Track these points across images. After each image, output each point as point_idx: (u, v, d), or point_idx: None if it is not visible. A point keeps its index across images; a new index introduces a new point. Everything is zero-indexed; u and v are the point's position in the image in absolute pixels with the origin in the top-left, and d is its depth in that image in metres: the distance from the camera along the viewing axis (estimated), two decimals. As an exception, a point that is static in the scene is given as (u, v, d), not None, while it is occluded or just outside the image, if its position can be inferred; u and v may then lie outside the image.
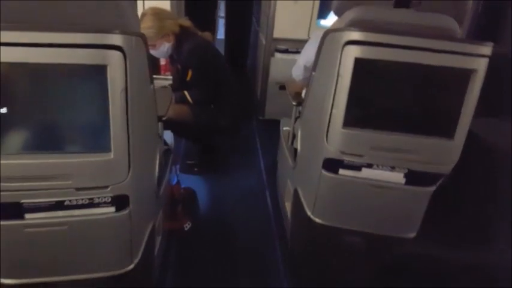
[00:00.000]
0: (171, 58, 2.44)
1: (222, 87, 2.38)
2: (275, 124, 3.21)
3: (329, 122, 1.37)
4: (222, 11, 4.13)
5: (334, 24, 1.70)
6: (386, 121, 1.36)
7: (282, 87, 3.24)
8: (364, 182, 1.44)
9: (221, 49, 4.16)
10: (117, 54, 0.96)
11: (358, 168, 1.42)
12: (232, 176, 2.60)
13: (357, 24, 1.32)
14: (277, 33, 3.04)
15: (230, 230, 2.13)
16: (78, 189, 1.04)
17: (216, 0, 3.83)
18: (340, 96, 1.31)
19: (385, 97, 1.35)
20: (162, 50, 2.26)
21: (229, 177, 2.58)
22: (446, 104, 1.31)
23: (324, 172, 1.46)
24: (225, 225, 2.16)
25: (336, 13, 1.51)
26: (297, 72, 1.89)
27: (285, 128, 2.29)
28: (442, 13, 1.36)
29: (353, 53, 1.25)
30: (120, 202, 1.11)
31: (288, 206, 2.00)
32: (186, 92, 2.31)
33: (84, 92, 1.01)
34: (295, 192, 1.79)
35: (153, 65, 2.82)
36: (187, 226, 2.06)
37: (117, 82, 0.97)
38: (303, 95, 1.94)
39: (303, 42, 3.13)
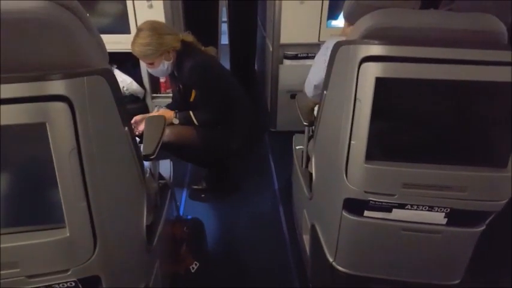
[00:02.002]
0: (171, 76, 2.22)
1: (231, 107, 2.16)
2: (288, 136, 2.94)
3: (348, 155, 1.11)
4: (224, 15, 3.89)
5: (346, 31, 1.44)
6: (420, 152, 1.09)
7: (294, 96, 2.98)
8: (395, 225, 1.18)
9: (226, 55, 3.93)
10: (59, 106, 0.73)
11: (387, 209, 1.15)
12: (244, 201, 2.36)
13: (375, 34, 1.06)
14: (284, 39, 2.78)
15: (242, 267, 1.89)
16: (29, 276, 0.82)
17: (217, 6, 3.59)
18: (359, 124, 1.05)
19: (417, 123, 1.08)
20: (162, 68, 2.04)
21: (240, 203, 2.34)
22: (494, 126, 1.04)
23: (345, 214, 1.20)
24: (236, 262, 1.92)
25: (348, 19, 1.25)
26: (308, 89, 1.63)
27: (298, 147, 2.03)
28: (481, 12, 1.07)
29: (373, 71, 0.99)
30: (89, 284, 0.88)
31: (306, 239, 1.74)
32: (191, 113, 2.08)
33: (26, 155, 0.79)
34: (313, 228, 1.53)
35: (153, 83, 2.66)
36: (194, 267, 1.83)
37: (62, 142, 0.74)
38: (315, 112, 1.68)
39: (313, 47, 2.91)
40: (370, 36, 1.08)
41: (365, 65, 0.99)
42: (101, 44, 1.02)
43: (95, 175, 0.82)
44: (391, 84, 0.99)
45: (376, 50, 0.98)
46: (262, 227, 2.15)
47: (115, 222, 0.95)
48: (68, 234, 0.81)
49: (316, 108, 1.67)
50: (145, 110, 2.71)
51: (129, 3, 2.39)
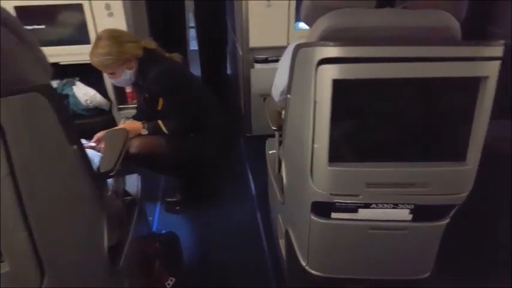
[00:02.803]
0: (136, 85, 2.15)
1: (202, 113, 2.10)
2: (264, 140, 2.92)
3: (312, 158, 1.08)
4: (191, 21, 3.84)
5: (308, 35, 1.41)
6: (382, 151, 1.08)
7: (267, 99, 2.97)
8: (362, 224, 1.17)
9: (196, 61, 3.86)
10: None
11: (353, 209, 1.14)
12: (220, 209, 2.30)
13: (332, 36, 1.03)
14: (253, 42, 2.75)
15: (221, 278, 1.84)
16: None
17: (183, 11, 3.53)
18: (320, 127, 1.02)
19: (377, 122, 1.06)
20: (124, 78, 1.97)
21: (217, 212, 2.28)
22: (452, 121, 1.03)
23: (313, 217, 1.18)
24: (214, 274, 1.86)
25: (306, 22, 1.22)
26: (275, 94, 1.60)
27: (270, 152, 1.99)
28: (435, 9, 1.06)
29: (329, 73, 0.96)
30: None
31: (282, 244, 1.70)
32: (160, 122, 2.01)
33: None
34: (287, 233, 1.50)
35: (118, 93, 2.58)
36: (169, 283, 1.76)
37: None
38: (283, 117, 1.65)
39: (283, 50, 2.86)
40: (328, 37, 1.05)
41: (322, 67, 0.96)
42: (40, 58, 0.95)
43: (35, 201, 0.76)
44: (348, 85, 0.96)
45: (332, 51, 0.95)
46: (240, 235, 2.10)
47: (66, 249, 0.89)
48: (8, 269, 0.74)
49: (284, 112, 1.63)
50: (111, 122, 2.62)
51: (87, 13, 2.30)
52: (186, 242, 2.04)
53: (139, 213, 1.68)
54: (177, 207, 2.29)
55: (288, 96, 1.27)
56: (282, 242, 1.65)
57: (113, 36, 1.87)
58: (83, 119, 2.57)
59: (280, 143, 1.71)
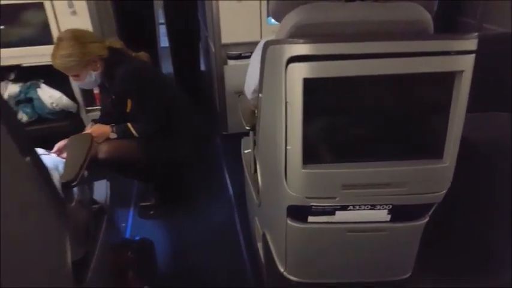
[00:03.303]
0: (102, 87, 2.05)
1: (173, 113, 2.02)
2: (240, 138, 2.87)
3: (286, 160, 1.03)
4: (161, 17, 3.72)
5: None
6: (357, 151, 1.04)
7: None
8: (340, 227, 1.13)
9: (168, 58, 3.75)
10: None
11: (330, 212, 1.10)
12: (197, 212, 2.23)
13: (302, 32, 0.98)
14: (226, 38, 2.67)
15: (199, 285, 1.77)
16: None
17: (152, 8, 3.41)
18: (293, 128, 0.97)
19: (350, 122, 1.02)
20: (89, 80, 1.87)
21: (193, 215, 2.21)
22: (428, 117, 1.00)
23: (290, 222, 1.13)
24: (191, 280, 1.80)
25: (275, 18, 1.16)
26: (247, 92, 1.54)
27: (246, 151, 1.93)
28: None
29: (300, 72, 0.91)
30: None
31: (260, 247, 1.65)
32: (129, 125, 1.93)
33: None
34: (264, 237, 1.45)
35: (86, 95, 2.47)
36: (143, 292, 1.69)
37: None
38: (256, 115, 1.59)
39: (256, 45, 2.81)
40: (297, 34, 1.00)
41: (291, 65, 0.91)
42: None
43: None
44: (320, 84, 0.92)
45: (301, 49, 0.89)
46: (218, 238, 2.04)
47: (25, 267, 0.81)
48: None
49: (257, 111, 1.58)
50: (80, 125, 2.50)
51: (49, 11, 2.18)
52: (161, 247, 1.97)
53: (109, 222, 1.60)
54: (151, 212, 2.21)
55: (260, 95, 1.22)
56: (260, 245, 1.60)
57: (75, 36, 1.78)
58: (49, 123, 2.46)
59: (255, 142, 1.66)
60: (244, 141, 2.03)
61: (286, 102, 0.94)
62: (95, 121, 2.12)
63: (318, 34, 0.99)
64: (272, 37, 1.34)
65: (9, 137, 0.84)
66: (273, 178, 1.17)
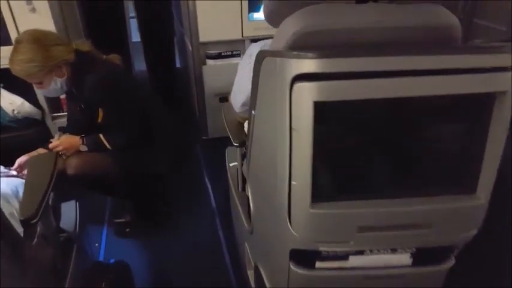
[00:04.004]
0: (69, 94, 1.83)
1: (148, 122, 1.83)
2: (222, 143, 2.68)
3: (289, 196, 0.87)
4: (132, 10, 3.47)
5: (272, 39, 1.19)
6: (376, 187, 0.89)
7: (223, 100, 2.70)
8: (355, 274, 0.96)
9: (140, 54, 3.50)
10: None
11: (343, 257, 0.94)
12: (177, 229, 2.05)
13: (306, 41, 0.82)
14: (204, 36, 2.47)
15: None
16: None
17: (121, 1, 3.17)
18: (299, 160, 0.81)
19: (370, 152, 0.86)
20: (54, 87, 1.66)
21: (173, 233, 2.03)
22: (461, 145, 0.85)
23: (293, 267, 0.96)
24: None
25: (270, 21, 0.99)
26: (235, 104, 1.37)
27: (231, 164, 1.76)
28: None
29: (309, 94, 0.75)
30: None
31: (250, 274, 1.50)
32: (101, 136, 1.73)
33: None
34: (257, 269, 1.29)
35: (51, 100, 2.22)
36: (120, 325, 1.51)
37: None
38: (246, 129, 1.42)
39: (237, 43, 2.62)
40: (300, 43, 0.83)
41: (298, 85, 0.74)
42: None
43: None
44: (335, 108, 0.76)
45: (311, 65, 0.73)
46: (201, 258, 1.87)
47: None
48: None
49: (246, 125, 1.41)
50: (45, 134, 2.27)
51: (4, 8, 1.92)
52: (138, 270, 1.78)
53: (78, 252, 1.40)
54: (127, 230, 2.01)
55: (253, 112, 1.05)
56: (250, 273, 1.44)
57: (37, 38, 1.56)
58: (11, 132, 2.21)
59: (243, 156, 1.49)
60: (229, 152, 1.86)
61: (291, 129, 0.78)
62: (63, 130, 1.90)
63: (325, 44, 0.83)
64: (259, 45, 1.18)
65: None
66: (271, 213, 1.01)
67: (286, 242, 0.92)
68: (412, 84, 0.72)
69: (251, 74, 1.10)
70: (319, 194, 0.83)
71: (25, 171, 1.59)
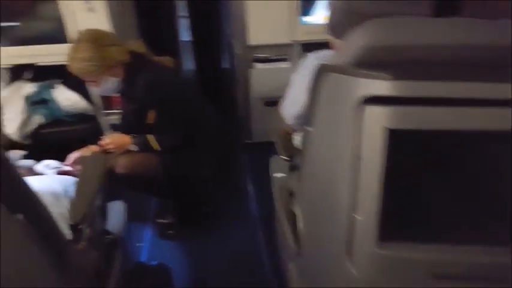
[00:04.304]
0: (122, 94, 1.86)
1: (197, 125, 1.83)
2: (266, 148, 2.64)
3: (351, 233, 0.79)
4: (183, 10, 3.50)
5: (335, 43, 1.12)
6: (459, 228, 0.77)
7: (269, 103, 2.65)
8: None
9: (189, 52, 3.52)
10: None
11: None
12: (218, 235, 2.02)
13: (374, 56, 0.74)
14: (252, 39, 2.42)
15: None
16: None
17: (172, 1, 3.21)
18: (365, 193, 0.73)
19: (453, 188, 0.76)
20: (107, 87, 1.70)
21: (214, 238, 2.00)
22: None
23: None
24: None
25: (333, 32, 0.92)
26: (286, 115, 1.31)
27: (276, 175, 1.70)
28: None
29: (382, 119, 0.67)
30: None
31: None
32: (150, 137, 1.74)
33: None
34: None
35: (104, 97, 2.27)
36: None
37: None
38: (295, 142, 1.36)
39: (286, 47, 2.56)
40: (368, 58, 0.76)
41: (370, 109, 0.67)
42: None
43: None
44: (412, 138, 0.67)
45: (385, 87, 0.65)
46: (241, 268, 1.83)
47: None
48: None
49: (296, 137, 1.35)
50: (97, 129, 2.33)
51: (64, 7, 1.98)
52: (178, 273, 1.77)
53: (123, 255, 1.40)
54: (170, 231, 2.01)
55: (309, 129, 0.98)
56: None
57: (94, 38, 1.59)
58: (65, 126, 2.31)
59: (291, 168, 1.43)
60: (274, 161, 1.79)
61: (357, 157, 0.71)
62: (114, 127, 1.94)
63: (395, 61, 0.75)
64: (317, 56, 1.11)
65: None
66: (326, 243, 0.92)
67: (342, 279, 0.83)
68: (507, 115, 0.62)
69: (307, 87, 1.04)
70: (387, 232, 0.74)
71: (78, 167, 1.64)
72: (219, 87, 3.50)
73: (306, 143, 1.03)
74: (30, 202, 0.74)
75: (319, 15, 2.33)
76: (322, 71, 0.85)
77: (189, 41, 3.63)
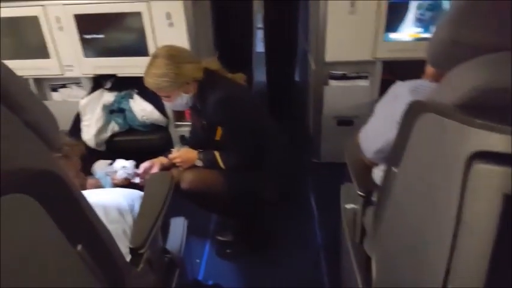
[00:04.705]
0: (193, 109, 1.87)
1: (264, 146, 1.77)
2: (334, 170, 2.49)
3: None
4: (259, 22, 3.50)
5: (429, 72, 0.98)
6: None
7: (341, 123, 2.53)
8: None
9: (261, 64, 3.50)
10: None
11: None
12: (277, 260, 1.92)
13: (487, 100, 0.60)
14: (330, 56, 2.30)
15: None
16: None
17: (250, 12, 3.19)
18: (465, 263, 0.60)
19: None
20: (180, 102, 1.71)
21: (273, 263, 1.91)
22: None
23: None
24: None
25: (435, 63, 0.79)
26: (365, 147, 1.18)
27: (347, 206, 1.57)
28: None
29: (499, 183, 0.53)
30: None
31: None
32: (217, 154, 1.72)
33: None
34: None
35: (176, 110, 2.31)
36: None
37: None
38: (374, 176, 1.22)
39: (365, 65, 2.42)
40: (481, 103, 0.62)
41: (480, 167, 0.54)
42: (42, 128, 0.64)
43: None
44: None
45: (504, 142, 0.52)
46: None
47: None
48: None
49: (376, 172, 1.21)
50: (168, 140, 2.39)
51: (146, 22, 2.05)
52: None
53: (181, 274, 1.37)
54: (228, 250, 1.97)
55: (393, 169, 0.86)
56: None
57: (171, 55, 1.61)
58: (138, 135, 2.40)
59: (366, 203, 1.29)
60: (345, 190, 1.67)
61: (459, 219, 0.57)
62: (183, 140, 1.95)
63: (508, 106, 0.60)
64: (409, 86, 0.98)
65: (56, 227, 0.62)
66: None
67: None
68: None
69: (394, 119, 0.92)
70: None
71: (147, 176, 1.71)
72: (290, 101, 3.42)
73: (388, 183, 0.90)
74: (92, 230, 0.72)
75: (406, 32, 2.15)
76: (419, 109, 0.73)
77: (263, 52, 3.62)
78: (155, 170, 1.76)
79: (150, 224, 1.03)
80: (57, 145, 0.71)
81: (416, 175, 0.77)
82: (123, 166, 1.75)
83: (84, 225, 0.70)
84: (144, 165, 1.76)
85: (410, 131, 0.75)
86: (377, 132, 1.08)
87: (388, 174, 0.91)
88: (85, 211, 0.70)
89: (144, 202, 1.15)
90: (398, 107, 0.95)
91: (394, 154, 0.86)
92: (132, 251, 0.99)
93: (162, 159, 1.81)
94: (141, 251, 0.98)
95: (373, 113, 1.16)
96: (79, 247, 0.68)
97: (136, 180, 1.73)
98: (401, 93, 0.95)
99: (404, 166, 0.80)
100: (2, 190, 0.51)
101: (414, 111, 0.74)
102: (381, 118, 1.07)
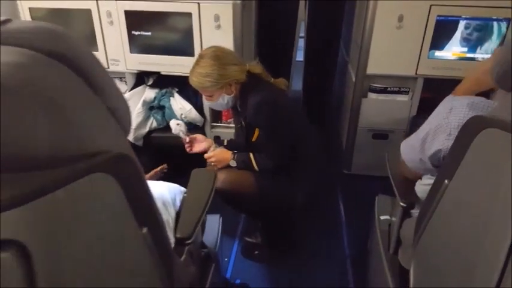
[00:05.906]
0: (234, 110, 1.91)
1: (298, 151, 1.79)
2: (365, 182, 2.49)
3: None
4: (302, 30, 3.51)
5: (496, 100, 0.98)
6: None
7: (376, 136, 2.52)
8: None
9: (299, 73, 3.52)
10: None
11: None
12: (304, 267, 1.93)
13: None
14: (372, 69, 2.31)
15: None
16: None
17: (294, 21, 3.21)
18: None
19: None
20: (221, 102, 1.75)
21: (299, 269, 1.91)
22: None
23: None
24: None
25: (500, 82, 0.79)
26: (408, 155, 1.18)
27: (382, 218, 1.57)
28: None
29: None
30: None
31: None
32: (251, 156, 1.76)
33: None
34: None
35: (213, 111, 2.35)
36: None
37: None
38: (417, 189, 1.22)
39: (407, 80, 2.41)
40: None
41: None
42: (119, 113, 0.69)
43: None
44: None
45: None
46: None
47: None
48: None
49: (419, 185, 1.21)
50: (202, 140, 2.44)
51: (195, 23, 2.11)
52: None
53: (216, 269, 1.40)
54: (256, 252, 1.99)
55: (446, 182, 0.86)
56: None
57: (217, 56, 1.65)
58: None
59: (401, 219, 1.29)
60: (381, 201, 1.66)
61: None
62: (217, 141, 2.00)
63: None
64: (467, 101, 0.98)
65: (128, 208, 0.66)
66: None
67: None
68: None
69: (446, 131, 0.93)
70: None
71: (195, 148, 1.90)
72: (324, 111, 3.43)
73: (437, 194, 0.90)
74: (154, 216, 0.76)
75: (451, 50, 2.14)
76: (476, 123, 0.74)
77: (300, 61, 3.64)
78: (201, 146, 1.88)
79: (197, 217, 1.07)
80: (129, 131, 0.76)
81: (470, 189, 0.77)
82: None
83: (149, 209, 0.74)
84: (196, 135, 1.90)
85: (468, 145, 0.76)
86: (423, 144, 1.06)
87: (437, 186, 0.91)
88: (151, 196, 0.74)
89: (190, 195, 1.19)
90: (452, 120, 0.96)
91: (447, 166, 0.87)
92: (178, 241, 1.03)
93: (210, 142, 1.90)
94: (188, 241, 1.01)
95: (416, 127, 1.16)
96: (144, 229, 0.72)
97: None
98: (458, 106, 0.95)
99: (459, 180, 0.81)
100: (91, 169, 0.56)
101: (476, 125, 0.74)
102: (430, 130, 1.07)
